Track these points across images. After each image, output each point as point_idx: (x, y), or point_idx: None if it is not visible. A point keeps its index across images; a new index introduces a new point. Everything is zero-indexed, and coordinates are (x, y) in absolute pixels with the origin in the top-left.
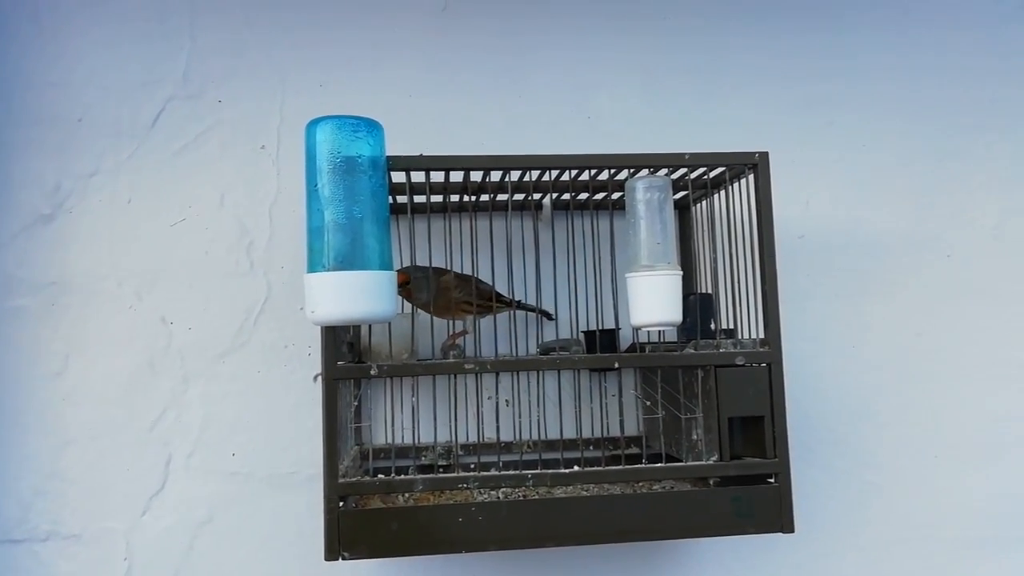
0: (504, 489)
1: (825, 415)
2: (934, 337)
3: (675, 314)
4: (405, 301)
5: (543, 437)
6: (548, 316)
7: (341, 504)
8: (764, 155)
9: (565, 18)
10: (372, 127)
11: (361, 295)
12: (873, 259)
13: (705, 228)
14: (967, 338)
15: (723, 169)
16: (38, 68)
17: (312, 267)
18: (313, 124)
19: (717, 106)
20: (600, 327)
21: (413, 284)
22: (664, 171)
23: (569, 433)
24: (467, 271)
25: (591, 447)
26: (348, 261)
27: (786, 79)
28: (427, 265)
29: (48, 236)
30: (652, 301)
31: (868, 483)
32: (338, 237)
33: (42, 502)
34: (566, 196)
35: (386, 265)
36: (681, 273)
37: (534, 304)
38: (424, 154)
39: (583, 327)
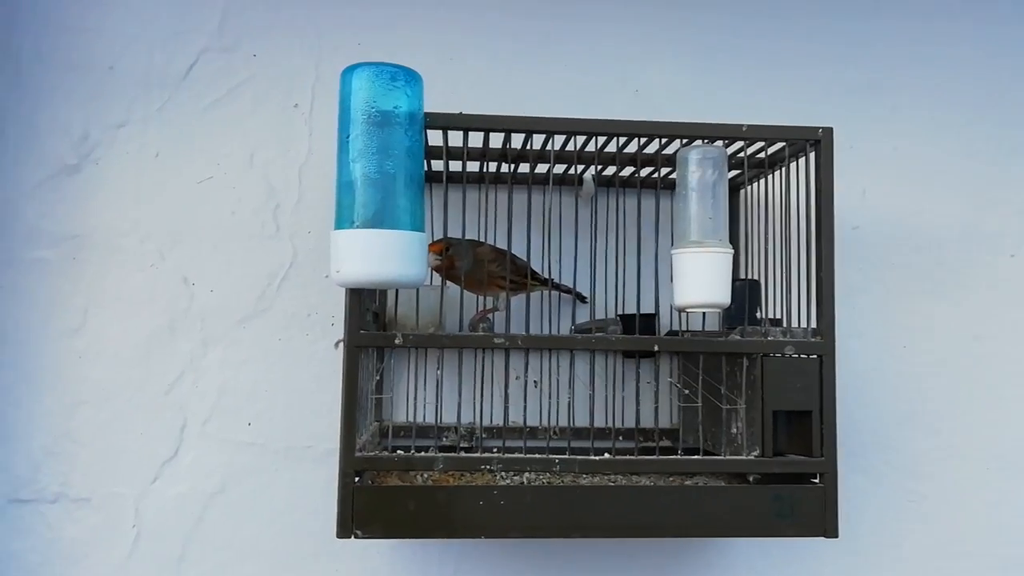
0: (529, 474)
1: (870, 417)
2: (992, 341)
3: (724, 296)
4: (434, 273)
5: (572, 424)
6: (582, 299)
7: (357, 479)
8: (828, 131)
9: None
10: (411, 77)
11: (390, 256)
12: (930, 255)
13: (757, 210)
14: None
15: (782, 145)
16: (72, 12)
17: (340, 224)
18: (349, 71)
19: (773, 87)
20: (639, 311)
21: (454, 251)
22: (719, 143)
23: (600, 421)
24: (501, 246)
25: (622, 437)
26: (378, 219)
27: (848, 61)
28: (457, 238)
29: (73, 187)
30: (700, 280)
31: (912, 492)
32: (368, 193)
33: (52, 462)
34: (611, 170)
35: (418, 226)
36: (732, 251)
37: (569, 285)
38: (463, 113)
39: (620, 311)
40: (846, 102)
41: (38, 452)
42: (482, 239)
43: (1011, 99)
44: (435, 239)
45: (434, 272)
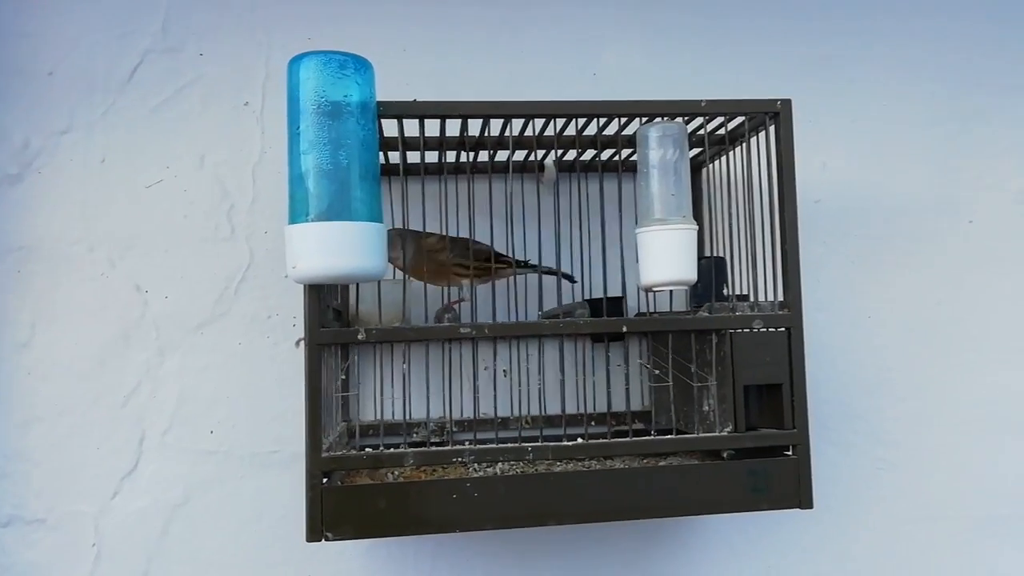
0: (501, 464)
1: (838, 388)
2: (954, 307)
3: (690, 272)
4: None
5: (544, 411)
6: (570, 279)
7: (325, 480)
8: (787, 103)
9: None
10: (361, 64)
11: (347, 248)
12: (891, 225)
13: (720, 188)
14: (989, 308)
15: (741, 120)
16: (6, 16)
17: (294, 218)
18: (296, 60)
19: (729, 63)
20: (606, 294)
21: (395, 242)
22: (679, 120)
23: (571, 407)
24: (464, 235)
25: (594, 422)
26: (333, 211)
27: (803, 34)
28: (406, 228)
29: (15, 197)
30: (665, 258)
31: (882, 459)
32: (322, 185)
33: (4, 484)
34: (571, 155)
35: (375, 217)
36: (696, 227)
37: (548, 267)
38: (417, 100)
39: (587, 295)
40: (803, 76)
41: None
42: (443, 230)
43: (966, 68)
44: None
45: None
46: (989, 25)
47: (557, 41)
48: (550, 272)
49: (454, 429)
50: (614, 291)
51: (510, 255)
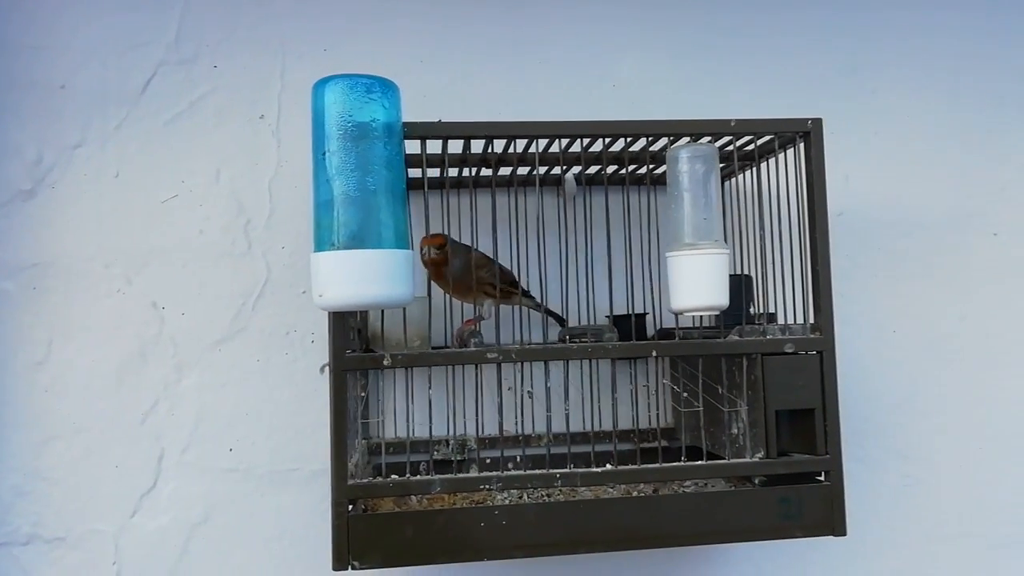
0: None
1: (862, 404)
2: (979, 321)
3: (722, 297)
4: (427, 273)
5: (569, 429)
6: (560, 321)
7: (350, 508)
8: (817, 122)
9: None
10: (387, 88)
11: (375, 276)
12: (915, 238)
13: (746, 202)
14: (1014, 322)
15: (770, 138)
16: (17, 29)
17: (319, 245)
18: (321, 84)
19: (751, 75)
20: (632, 311)
21: (451, 248)
22: (707, 139)
23: (598, 424)
24: (486, 250)
25: (619, 439)
26: (360, 238)
27: (826, 44)
28: (455, 240)
29: (29, 213)
30: (698, 283)
31: (908, 476)
32: (349, 212)
33: (23, 503)
34: (594, 169)
35: (403, 243)
36: (728, 251)
37: (547, 305)
38: (442, 120)
39: (610, 311)
40: (826, 88)
41: (8, 492)
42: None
43: (989, 81)
44: (433, 233)
45: (423, 264)
46: (1016, 35)
47: (576, 53)
48: (547, 312)
49: (478, 447)
50: (638, 307)
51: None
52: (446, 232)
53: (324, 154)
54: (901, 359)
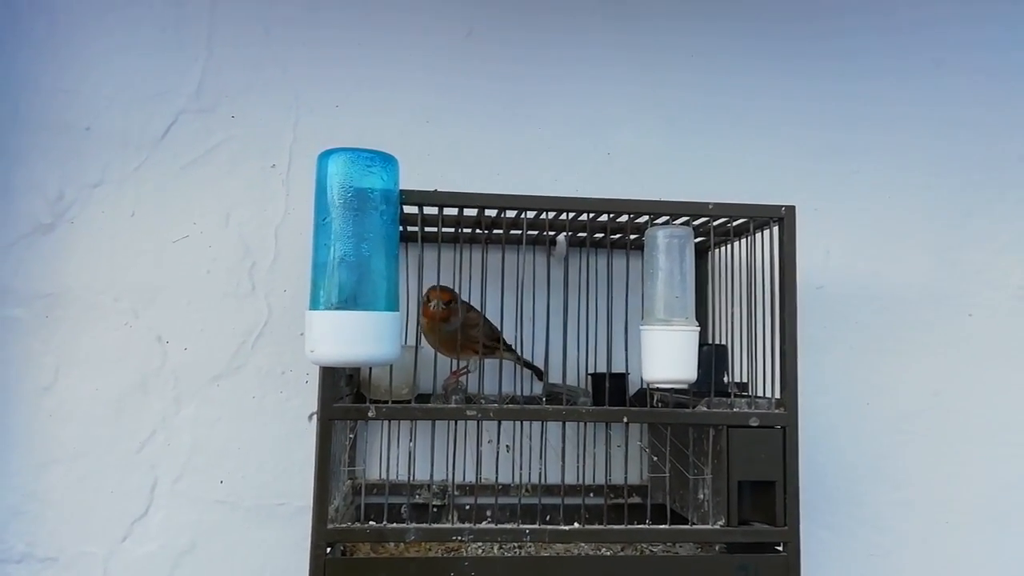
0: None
1: (835, 472)
2: (951, 397)
3: (690, 372)
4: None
5: (544, 481)
6: (539, 375)
7: (328, 551)
8: (791, 209)
9: (589, 50)
10: (387, 161)
11: (364, 337)
12: (892, 314)
13: (723, 276)
14: (986, 400)
15: (746, 219)
16: (49, 72)
17: (315, 304)
18: (325, 155)
19: (740, 148)
20: (610, 372)
21: (455, 306)
22: (685, 219)
23: (571, 478)
24: (475, 305)
25: (591, 494)
26: (352, 300)
27: (812, 124)
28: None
29: (47, 246)
30: (667, 357)
31: (877, 545)
32: (344, 274)
33: (19, 523)
34: (582, 234)
35: (392, 306)
36: (699, 329)
37: (529, 359)
38: (438, 189)
39: (591, 369)
40: (810, 164)
41: (4, 512)
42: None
43: (971, 162)
44: (442, 286)
45: (423, 313)
46: (994, 119)
47: (574, 119)
48: (527, 365)
49: (456, 492)
50: (618, 367)
51: (512, 339)
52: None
53: (325, 220)
54: (874, 431)
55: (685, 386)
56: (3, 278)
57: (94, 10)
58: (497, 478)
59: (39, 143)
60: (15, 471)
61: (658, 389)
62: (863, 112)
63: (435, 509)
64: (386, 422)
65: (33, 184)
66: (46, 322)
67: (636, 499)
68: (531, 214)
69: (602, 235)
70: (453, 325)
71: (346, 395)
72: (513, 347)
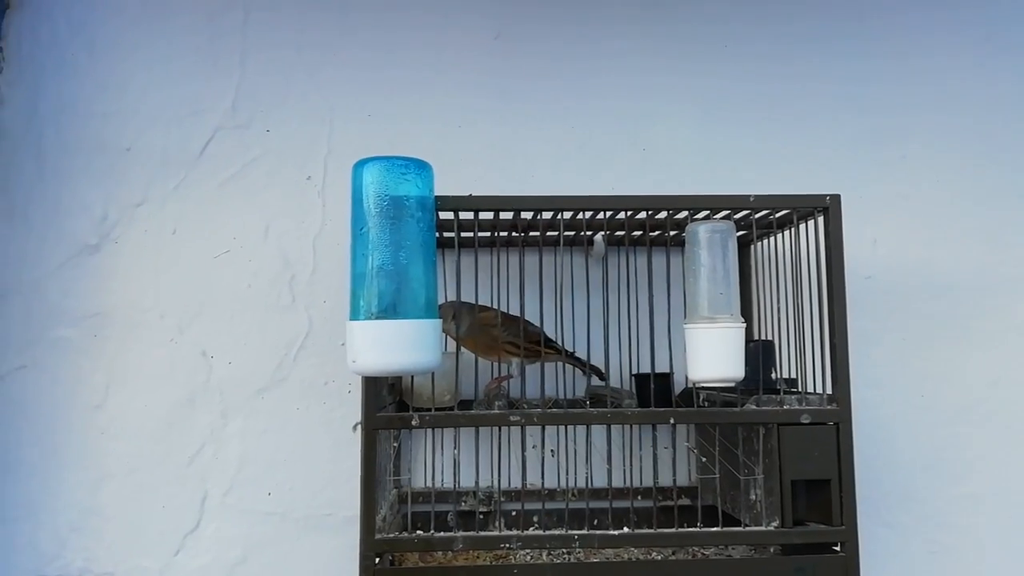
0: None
1: (890, 468)
2: (1010, 387)
3: (737, 369)
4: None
5: (590, 485)
6: (600, 375)
7: (377, 561)
8: (836, 198)
9: (620, 42)
10: (421, 168)
11: (405, 345)
12: (944, 302)
13: (767, 270)
14: None
15: (789, 211)
16: (89, 96)
17: (355, 314)
18: (360, 165)
19: (779, 138)
20: (654, 372)
21: (442, 310)
22: (726, 213)
23: (618, 481)
24: (514, 309)
25: (640, 496)
26: (392, 309)
27: (855, 109)
28: (465, 301)
29: (93, 266)
30: (713, 356)
31: (935, 542)
32: (383, 283)
33: (78, 538)
34: (620, 232)
35: (431, 313)
36: (744, 325)
37: (585, 359)
38: (473, 194)
39: (634, 370)
40: (853, 151)
41: (64, 528)
42: (495, 304)
43: (1021, 141)
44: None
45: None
46: None
47: (607, 115)
48: (582, 365)
49: (501, 499)
50: (661, 365)
51: (558, 343)
52: (467, 293)
53: (362, 230)
54: (930, 424)
55: (732, 384)
56: (52, 299)
57: (131, 33)
58: (543, 483)
59: (83, 166)
60: (71, 488)
61: (704, 388)
62: (908, 93)
63: (481, 516)
64: (430, 430)
65: (78, 205)
66: (95, 341)
67: (686, 501)
68: (567, 214)
69: (640, 232)
70: (459, 331)
71: (389, 404)
72: (559, 346)
